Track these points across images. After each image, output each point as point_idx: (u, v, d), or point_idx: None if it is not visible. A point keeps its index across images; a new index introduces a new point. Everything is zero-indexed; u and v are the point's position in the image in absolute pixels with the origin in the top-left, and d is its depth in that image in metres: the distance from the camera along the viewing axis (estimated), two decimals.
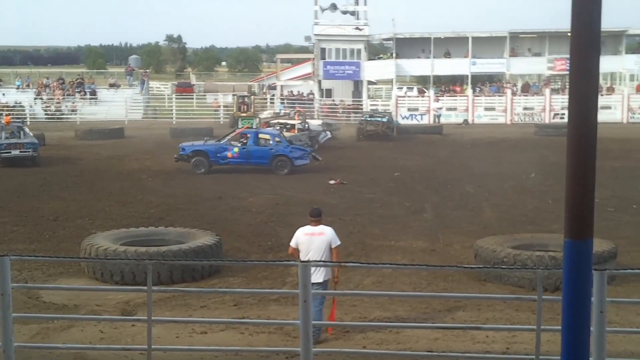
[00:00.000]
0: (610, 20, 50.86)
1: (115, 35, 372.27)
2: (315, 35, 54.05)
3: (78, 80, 55.80)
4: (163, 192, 23.71)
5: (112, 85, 56.88)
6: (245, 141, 28.46)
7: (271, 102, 54.00)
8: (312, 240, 10.68)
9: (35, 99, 52.19)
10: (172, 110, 52.85)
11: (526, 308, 11.33)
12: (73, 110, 51.19)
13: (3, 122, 32.34)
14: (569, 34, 4.91)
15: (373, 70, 54.25)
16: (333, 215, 17.86)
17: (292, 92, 55.78)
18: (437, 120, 49.25)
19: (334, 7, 54.41)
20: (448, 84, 56.26)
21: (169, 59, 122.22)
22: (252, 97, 52.45)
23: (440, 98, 51.55)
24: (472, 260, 14.18)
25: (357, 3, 55.70)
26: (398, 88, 56.03)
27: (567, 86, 4.94)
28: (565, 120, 5.02)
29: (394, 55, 54.20)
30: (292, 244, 10.94)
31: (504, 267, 12.74)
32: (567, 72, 5.01)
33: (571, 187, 4.95)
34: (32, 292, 12.24)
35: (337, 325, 10.54)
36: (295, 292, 8.16)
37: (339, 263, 10.52)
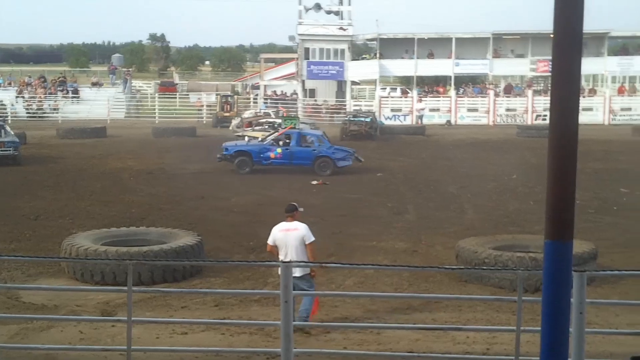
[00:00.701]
0: (592, 22, 51.17)
1: (98, 34, 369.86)
2: (299, 35, 54.04)
3: (60, 79, 55.48)
4: (145, 192, 23.61)
5: (94, 84, 56.58)
6: (288, 142, 28.42)
7: (254, 102, 53.93)
8: (288, 236, 10.92)
9: (16, 97, 51.78)
10: (154, 109, 52.66)
11: (507, 309, 11.36)
12: (55, 109, 50.89)
13: None
14: (552, 36, 4.92)
15: (357, 70, 54.30)
16: (315, 216, 17.84)
17: (275, 92, 55.74)
18: (420, 121, 49.35)
19: (318, 7, 54.44)
20: (431, 85, 56.40)
21: (152, 57, 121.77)
22: (236, 96, 52.45)
23: (423, 99, 51.66)
24: (454, 261, 14.21)
25: (341, 3, 55.74)
26: (381, 88, 56.09)
27: (550, 88, 4.96)
28: (547, 121, 5.03)
29: (377, 55, 54.29)
30: (270, 241, 11.15)
31: (484, 268, 12.79)
32: (550, 74, 5.03)
33: (552, 189, 4.97)
34: (11, 292, 12.16)
35: (318, 326, 10.53)
36: (276, 293, 8.14)
37: (321, 264, 10.63)
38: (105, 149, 34.33)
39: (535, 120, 49.85)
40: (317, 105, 53.32)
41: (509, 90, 54.51)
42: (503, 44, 55.67)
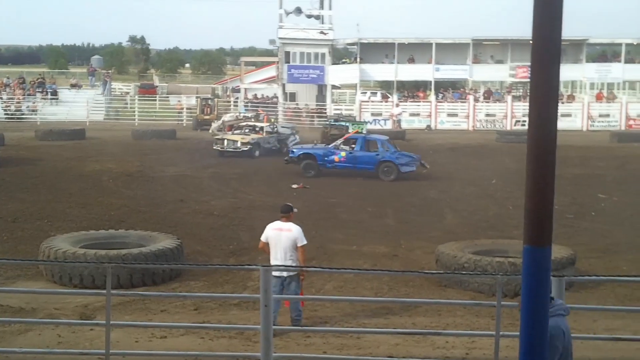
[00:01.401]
0: (571, 29, 51.53)
1: (78, 35, 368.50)
2: (279, 38, 54.01)
3: (39, 80, 55.08)
4: (124, 195, 23.49)
5: (73, 86, 56.25)
6: (353, 146, 28.46)
7: (235, 105, 53.82)
8: (280, 236, 11.12)
9: None
10: (134, 111, 52.42)
11: (486, 314, 11.41)
12: (33, 111, 50.54)
13: None
14: (531, 42, 4.96)
15: (337, 74, 54.35)
16: (296, 219, 17.79)
17: (256, 95, 55.67)
18: (398, 125, 49.43)
19: (298, 10, 54.44)
20: (411, 90, 56.57)
21: (131, 60, 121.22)
22: (216, 99, 52.31)
23: (400, 103, 51.80)
24: (434, 265, 14.26)
25: (322, 7, 55.77)
26: (362, 93, 56.20)
27: (529, 93, 4.99)
28: (527, 127, 5.07)
29: (358, 60, 54.39)
30: (262, 238, 11.35)
31: (464, 272, 12.83)
32: (529, 80, 5.06)
33: (531, 194, 5.00)
34: None
35: (298, 331, 10.53)
36: (256, 297, 8.13)
37: (301, 267, 10.67)
38: (84, 151, 34.12)
39: (515, 125, 50.11)
40: (298, 109, 53.32)
41: (488, 96, 54.79)
42: (483, 49, 55.97)
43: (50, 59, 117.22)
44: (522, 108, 49.91)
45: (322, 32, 53.81)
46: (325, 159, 28.26)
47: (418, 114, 51.86)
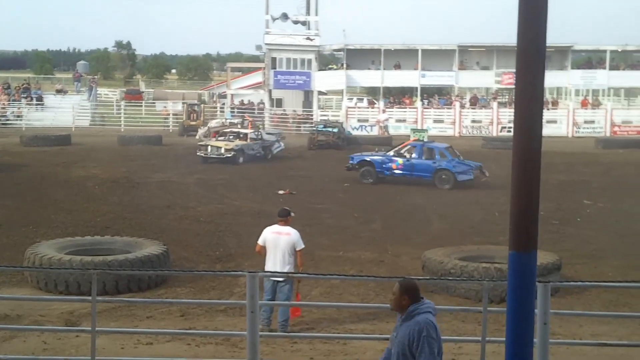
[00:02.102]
0: (556, 35, 51.86)
1: (63, 41, 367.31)
2: (266, 44, 54.03)
3: (24, 86, 54.83)
4: (110, 201, 23.41)
5: (59, 91, 56.04)
6: (411, 154, 28.45)
7: (221, 111, 53.76)
8: (279, 240, 11.20)
9: None
10: (120, 117, 52.28)
11: (472, 319, 11.44)
12: (18, 116, 50.28)
13: None
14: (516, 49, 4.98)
15: (323, 80, 54.40)
16: None
17: (242, 101, 55.65)
18: (386, 131, 49.49)
19: (285, 16, 54.48)
20: (398, 96, 56.69)
21: (117, 65, 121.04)
22: (202, 105, 52.24)
23: (386, 110, 51.91)
24: (420, 271, 14.26)
25: (308, 13, 55.87)
26: (348, 99, 56.30)
27: (514, 100, 5.02)
28: (512, 133, 5.10)
29: (344, 66, 54.48)
30: (260, 241, 11.41)
31: (450, 278, 12.86)
32: (514, 86, 5.09)
33: (516, 200, 5.03)
34: None
35: (285, 337, 10.53)
36: (242, 303, 8.11)
37: (287, 274, 10.69)
38: (70, 157, 34.00)
39: (501, 131, 50.31)
40: (284, 115, 53.34)
41: (474, 102, 55.00)
42: (469, 56, 56.20)
43: (35, 64, 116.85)
44: (508, 114, 50.09)
45: (308, 38, 53.87)
46: (383, 166, 28.36)
47: (404, 120, 51.97)
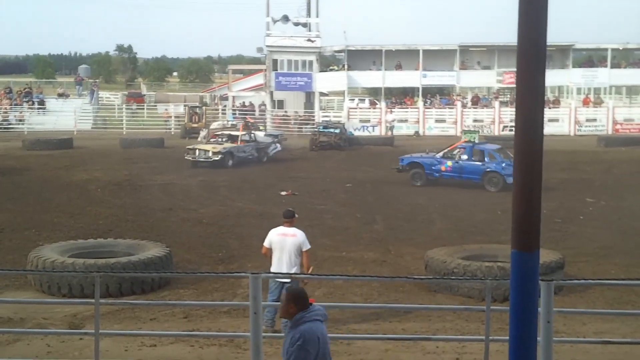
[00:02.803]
0: (557, 34, 51.81)
1: (65, 45, 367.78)
2: (267, 46, 54.06)
3: (26, 90, 54.89)
4: (112, 204, 23.42)
5: (61, 95, 56.06)
6: (460, 155, 28.29)
7: (223, 113, 53.78)
8: (285, 241, 11.19)
9: None
10: (122, 120, 52.32)
11: (476, 318, 11.44)
12: (20, 120, 50.33)
13: None
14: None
15: (325, 81, 54.43)
16: None
17: (244, 103, 55.68)
18: (390, 131, 49.50)
19: (285, 18, 54.54)
20: (399, 96, 56.70)
21: (119, 69, 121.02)
22: (204, 107, 52.26)
23: (393, 110, 51.93)
24: (423, 271, 14.26)
25: (309, 15, 55.90)
26: (350, 100, 56.31)
27: (515, 99, 5.02)
28: (514, 132, 5.10)
29: (345, 67, 54.49)
30: (266, 243, 11.38)
31: (453, 278, 12.85)
32: (516, 86, 5.09)
33: (518, 199, 5.03)
34: None
35: None
36: (245, 304, 8.12)
37: (290, 275, 10.69)
38: (72, 161, 34.02)
39: (502, 131, 50.25)
40: (286, 116, 53.34)
41: (476, 102, 54.98)
42: (470, 56, 56.19)
43: (37, 68, 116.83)
44: (510, 113, 50.06)
45: (309, 40, 53.90)
46: (433, 168, 28.17)
47: (406, 120, 52.01)
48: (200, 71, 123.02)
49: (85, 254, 14.13)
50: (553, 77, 50.06)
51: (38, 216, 20.89)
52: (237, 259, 16.15)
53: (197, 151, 32.94)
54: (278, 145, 36.97)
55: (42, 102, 52.76)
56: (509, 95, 56.30)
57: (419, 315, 11.98)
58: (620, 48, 55.83)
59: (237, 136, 34.96)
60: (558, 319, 10.02)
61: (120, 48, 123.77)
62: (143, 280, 13.26)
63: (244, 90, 60.38)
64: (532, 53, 4.88)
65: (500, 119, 51.29)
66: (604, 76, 54.85)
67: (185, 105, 53.63)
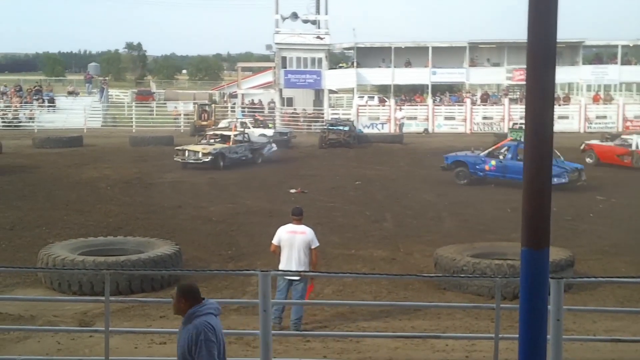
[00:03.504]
0: (567, 31, 51.70)
1: (74, 43, 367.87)
2: (276, 44, 54.08)
3: (36, 88, 55.05)
4: (122, 201, 23.48)
5: (70, 93, 56.24)
6: (504, 155, 28.03)
7: (232, 111, 53.85)
8: (294, 238, 11.25)
9: None
10: (131, 118, 52.41)
11: (485, 316, 11.42)
12: (31, 118, 50.48)
13: None
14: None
15: (334, 79, 54.39)
16: None
17: (253, 100, 55.72)
18: (400, 129, 49.42)
19: (294, 16, 54.53)
20: (408, 94, 56.63)
21: (128, 66, 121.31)
22: (213, 105, 52.30)
23: (402, 107, 51.85)
24: (432, 269, 14.25)
25: (318, 12, 55.90)
26: (359, 97, 56.27)
27: (525, 96, 5.01)
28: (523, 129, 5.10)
29: (354, 64, 54.44)
30: (275, 241, 11.44)
31: (463, 275, 12.84)
32: (525, 83, 5.08)
33: (528, 197, 5.01)
34: None
35: (298, 335, 10.53)
36: (255, 302, 8.13)
37: (299, 273, 10.72)
38: (82, 159, 34.12)
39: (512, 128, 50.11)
40: (295, 114, 53.35)
41: (485, 99, 54.87)
42: (479, 52, 56.07)
43: (47, 66, 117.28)
44: (519, 111, 49.91)
45: (318, 37, 53.88)
46: (477, 167, 27.92)
47: (415, 118, 51.95)
48: (209, 69, 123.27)
49: (95, 251, 14.19)
50: (563, 74, 49.90)
51: (48, 214, 20.97)
52: (247, 256, 16.17)
53: (186, 152, 31.71)
54: (274, 145, 35.81)
55: (52, 100, 52.90)
56: (518, 93, 56.15)
57: (428, 313, 11.97)
58: (631, 45, 55.62)
59: (228, 136, 33.59)
60: (568, 317, 9.98)
61: (129, 46, 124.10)
62: (153, 278, 13.29)
63: (253, 87, 60.44)
64: (542, 50, 4.87)
65: (510, 116, 51.14)
66: (614, 73, 54.68)
67: (194, 103, 53.69)
